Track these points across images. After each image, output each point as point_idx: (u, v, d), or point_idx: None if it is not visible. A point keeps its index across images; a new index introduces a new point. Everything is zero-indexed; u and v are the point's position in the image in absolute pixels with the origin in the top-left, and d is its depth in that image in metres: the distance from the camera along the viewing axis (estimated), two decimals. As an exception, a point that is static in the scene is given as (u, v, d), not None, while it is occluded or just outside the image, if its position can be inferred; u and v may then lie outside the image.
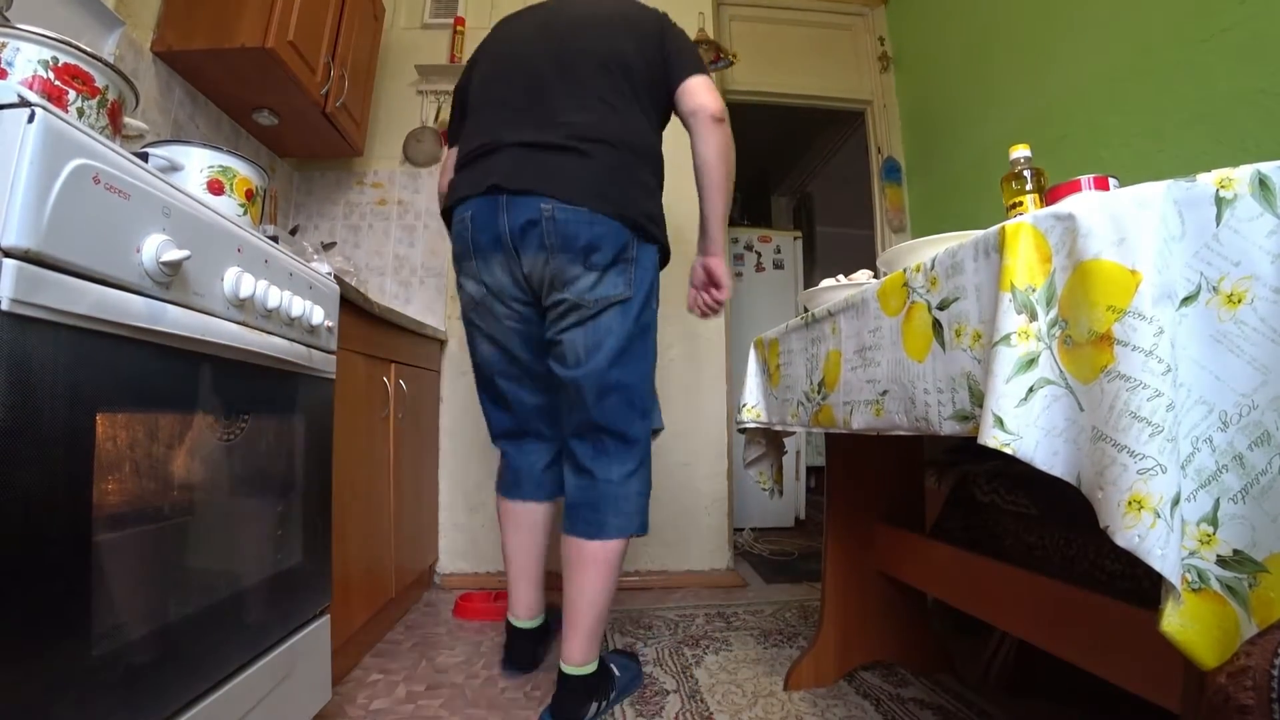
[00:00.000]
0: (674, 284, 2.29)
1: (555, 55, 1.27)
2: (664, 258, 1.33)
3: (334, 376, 1.16)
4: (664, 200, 1.33)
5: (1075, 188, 0.79)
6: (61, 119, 0.58)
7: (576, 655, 1.22)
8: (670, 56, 1.29)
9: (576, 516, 1.25)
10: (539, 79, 1.26)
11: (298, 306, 0.97)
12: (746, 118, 2.99)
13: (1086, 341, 0.55)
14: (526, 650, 1.44)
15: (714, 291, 1.41)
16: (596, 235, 1.18)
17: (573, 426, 1.29)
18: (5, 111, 0.55)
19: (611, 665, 1.31)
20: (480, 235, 1.22)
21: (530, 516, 1.44)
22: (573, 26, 1.31)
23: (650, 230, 1.24)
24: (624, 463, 1.26)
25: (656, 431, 1.36)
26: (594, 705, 1.23)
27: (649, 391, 1.31)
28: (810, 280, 3.80)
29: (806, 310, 1.18)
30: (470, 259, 1.26)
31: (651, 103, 1.30)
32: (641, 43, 1.29)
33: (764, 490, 1.48)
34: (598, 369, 1.23)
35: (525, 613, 1.44)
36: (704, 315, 1.47)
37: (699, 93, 1.26)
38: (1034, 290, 0.61)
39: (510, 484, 1.46)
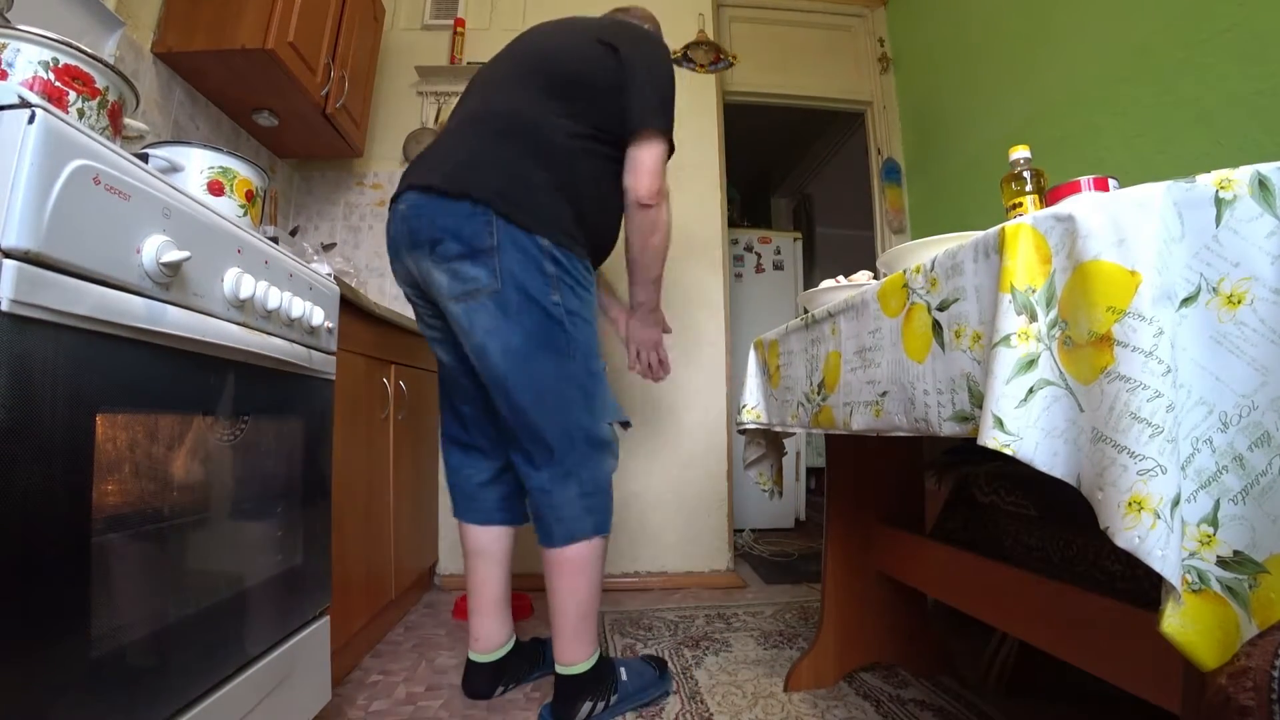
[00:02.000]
0: (668, 284, 2.30)
1: (490, 63, 1.34)
2: (580, 253, 1.21)
3: (334, 377, 1.16)
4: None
5: (1075, 189, 0.79)
6: (62, 120, 0.58)
7: (562, 655, 1.22)
8: (632, 92, 1.20)
9: (535, 524, 1.24)
10: (474, 84, 1.33)
11: (298, 307, 0.97)
12: (746, 118, 3.00)
13: (1086, 342, 0.55)
14: (483, 682, 1.34)
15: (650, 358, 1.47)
16: (439, 226, 1.12)
17: (503, 432, 1.25)
18: (6, 112, 0.55)
19: (620, 669, 1.29)
20: (388, 247, 1.26)
21: (472, 540, 1.37)
22: (521, 38, 1.36)
23: (518, 217, 1.12)
24: (548, 468, 1.19)
25: (625, 425, 1.29)
26: (588, 704, 1.20)
27: (581, 384, 1.19)
28: (810, 281, 3.80)
29: (806, 311, 1.18)
30: (393, 266, 1.29)
31: (563, 100, 1.20)
32: (573, 38, 1.26)
33: (764, 491, 1.48)
34: (493, 373, 1.16)
35: (477, 645, 1.35)
36: (646, 378, 1.52)
37: (634, 169, 1.21)
38: (1034, 291, 0.61)
39: (453, 500, 1.40)
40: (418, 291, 1.26)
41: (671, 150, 1.25)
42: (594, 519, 1.21)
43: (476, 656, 1.35)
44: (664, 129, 1.22)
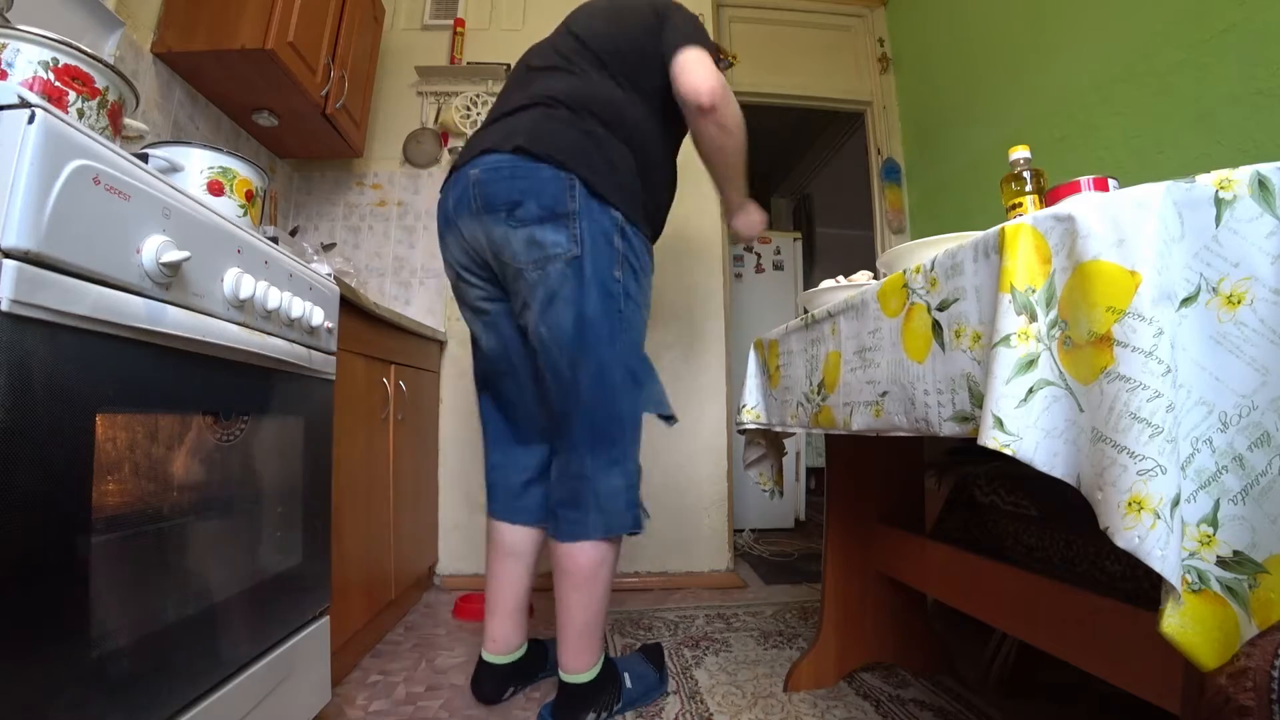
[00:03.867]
0: (668, 284, 2.30)
1: (528, 58, 1.31)
2: (646, 234, 1.22)
3: (334, 377, 1.16)
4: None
5: (1075, 189, 0.79)
6: (62, 120, 0.58)
7: (567, 664, 1.18)
8: (664, 41, 1.18)
9: (557, 515, 1.17)
10: (508, 86, 1.31)
11: (297, 307, 0.97)
12: (746, 118, 2.99)
13: (1086, 342, 0.55)
14: (494, 685, 1.30)
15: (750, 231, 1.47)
16: (519, 188, 1.09)
17: (552, 415, 1.20)
18: (5, 112, 0.55)
19: (625, 675, 1.26)
20: (439, 221, 1.24)
21: (504, 537, 1.31)
22: (556, 30, 1.33)
23: (599, 187, 1.11)
24: (594, 454, 1.14)
25: (667, 419, 1.24)
26: (590, 715, 1.18)
27: (631, 368, 1.17)
28: (810, 281, 3.80)
29: (806, 311, 1.18)
30: (442, 243, 1.26)
31: (631, 80, 1.20)
32: (617, 21, 1.24)
33: (764, 491, 1.48)
34: (560, 342, 1.12)
35: (493, 646, 1.30)
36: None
37: (684, 72, 1.13)
38: (1034, 291, 0.61)
39: (488, 496, 1.36)
40: (476, 265, 1.21)
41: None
42: (633, 514, 1.17)
43: (490, 658, 1.31)
44: (699, 43, 1.16)
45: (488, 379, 1.34)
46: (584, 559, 1.14)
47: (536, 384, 1.24)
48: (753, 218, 1.46)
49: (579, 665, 1.18)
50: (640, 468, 1.21)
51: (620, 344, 1.15)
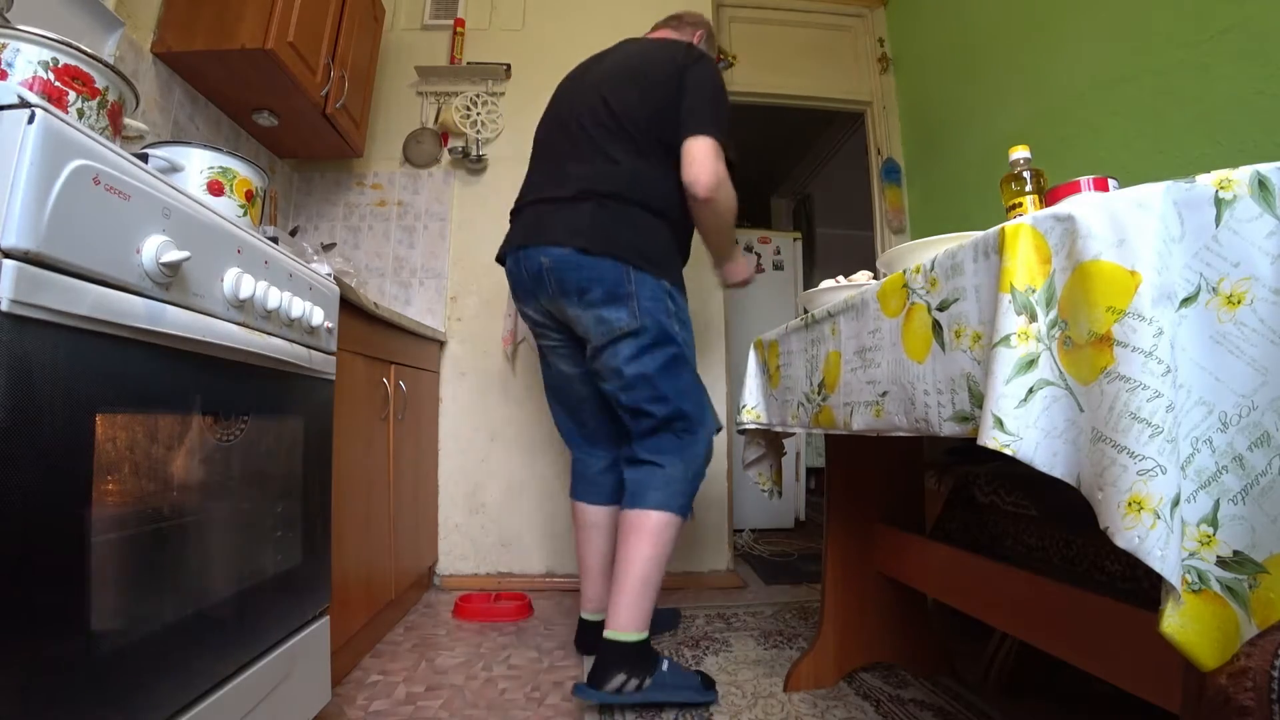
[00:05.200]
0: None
1: (572, 114, 1.45)
2: (681, 282, 1.45)
3: (333, 377, 1.16)
4: None
5: (1075, 189, 0.79)
6: (62, 120, 0.58)
7: (614, 619, 1.27)
8: (682, 110, 1.35)
9: (627, 496, 1.38)
10: (555, 139, 1.48)
11: (297, 307, 0.97)
12: (746, 119, 3.00)
13: (1086, 342, 0.55)
14: (589, 639, 1.52)
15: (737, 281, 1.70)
16: (585, 277, 1.32)
17: (636, 425, 1.42)
18: (5, 112, 0.55)
19: (664, 662, 1.30)
20: (515, 283, 1.47)
21: (586, 516, 1.58)
22: (592, 83, 1.47)
23: (643, 265, 1.34)
24: (671, 452, 1.37)
25: (716, 429, 1.46)
26: (621, 676, 1.22)
27: (698, 394, 1.43)
28: (810, 281, 3.80)
29: (806, 311, 1.18)
30: (518, 298, 1.50)
31: (662, 146, 1.37)
32: (647, 93, 1.39)
33: (764, 491, 1.48)
34: (633, 385, 1.37)
35: (586, 605, 1.56)
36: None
37: (692, 164, 1.32)
38: (1034, 291, 0.61)
39: (573, 484, 1.62)
40: (553, 323, 1.47)
41: (726, 154, 1.36)
42: (682, 500, 1.36)
43: (588, 616, 1.55)
44: (711, 129, 1.34)
45: (558, 394, 1.61)
46: (655, 519, 1.31)
47: (602, 407, 1.54)
48: (738, 265, 1.66)
49: (624, 623, 1.26)
50: (703, 464, 1.42)
51: (688, 374, 1.42)
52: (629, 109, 1.38)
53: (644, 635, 1.28)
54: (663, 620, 1.66)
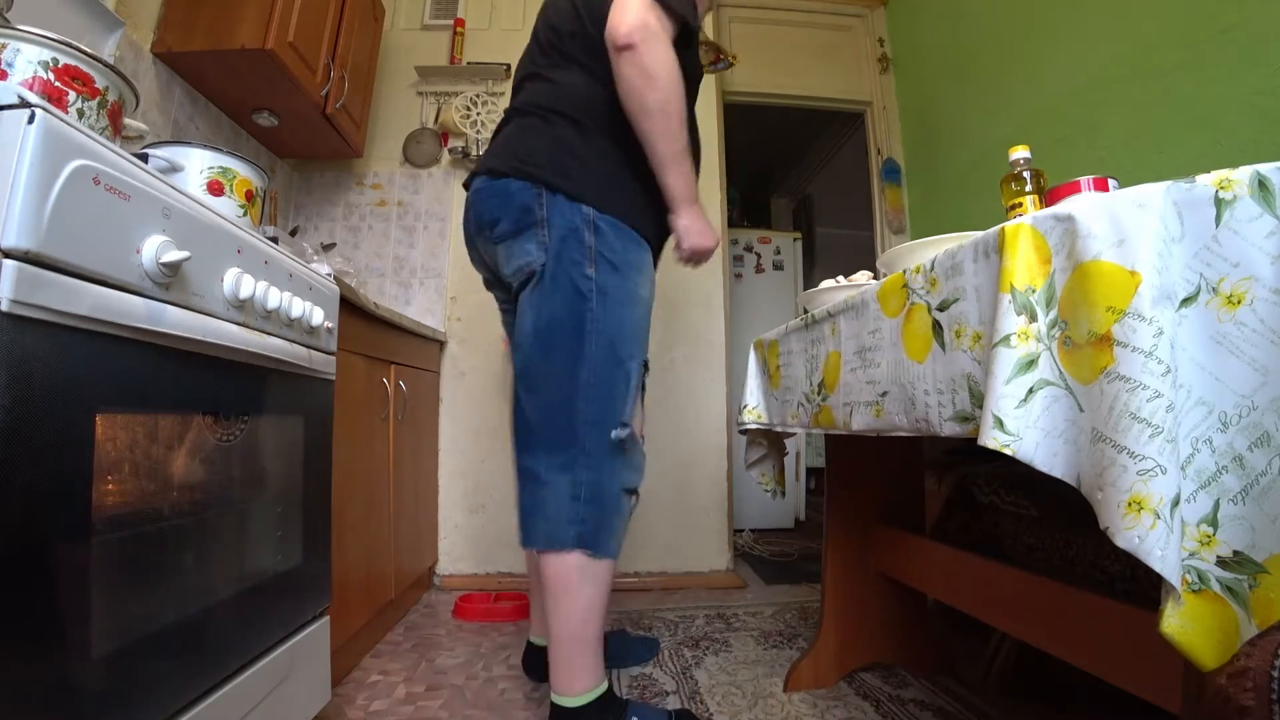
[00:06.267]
0: (668, 284, 2.30)
1: (527, 52, 1.28)
2: (636, 224, 1.13)
3: (333, 377, 1.16)
4: None
5: (1075, 189, 0.79)
6: (62, 120, 0.58)
7: (556, 682, 1.09)
8: None
9: (520, 520, 1.14)
10: (516, 82, 1.29)
11: (297, 307, 0.97)
12: (746, 119, 3.00)
13: (1086, 342, 0.55)
14: (533, 662, 1.37)
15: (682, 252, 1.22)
16: (494, 206, 1.12)
17: (520, 416, 1.16)
18: (5, 112, 0.55)
19: (631, 715, 1.12)
20: (465, 241, 1.28)
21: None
22: (541, 13, 1.27)
23: (557, 182, 1.07)
24: (549, 455, 1.08)
25: (619, 433, 1.10)
26: None
27: (589, 377, 1.08)
28: (810, 281, 3.80)
29: (806, 311, 1.18)
30: (470, 255, 1.31)
31: (594, 56, 1.11)
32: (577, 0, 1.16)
33: (766, 491, 1.48)
34: (526, 344, 1.11)
35: (534, 627, 1.40)
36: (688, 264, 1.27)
37: (613, 11, 1.01)
38: (1034, 291, 0.61)
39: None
40: (492, 276, 1.27)
41: (668, 11, 1.04)
42: (577, 529, 1.05)
43: (534, 639, 1.39)
44: None
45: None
46: (551, 569, 1.07)
47: None
48: (695, 221, 1.16)
49: (563, 686, 1.08)
50: (608, 483, 1.09)
51: (590, 346, 1.08)
52: (565, 21, 1.16)
53: (591, 694, 1.08)
54: (636, 652, 1.51)
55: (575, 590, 1.06)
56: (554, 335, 1.09)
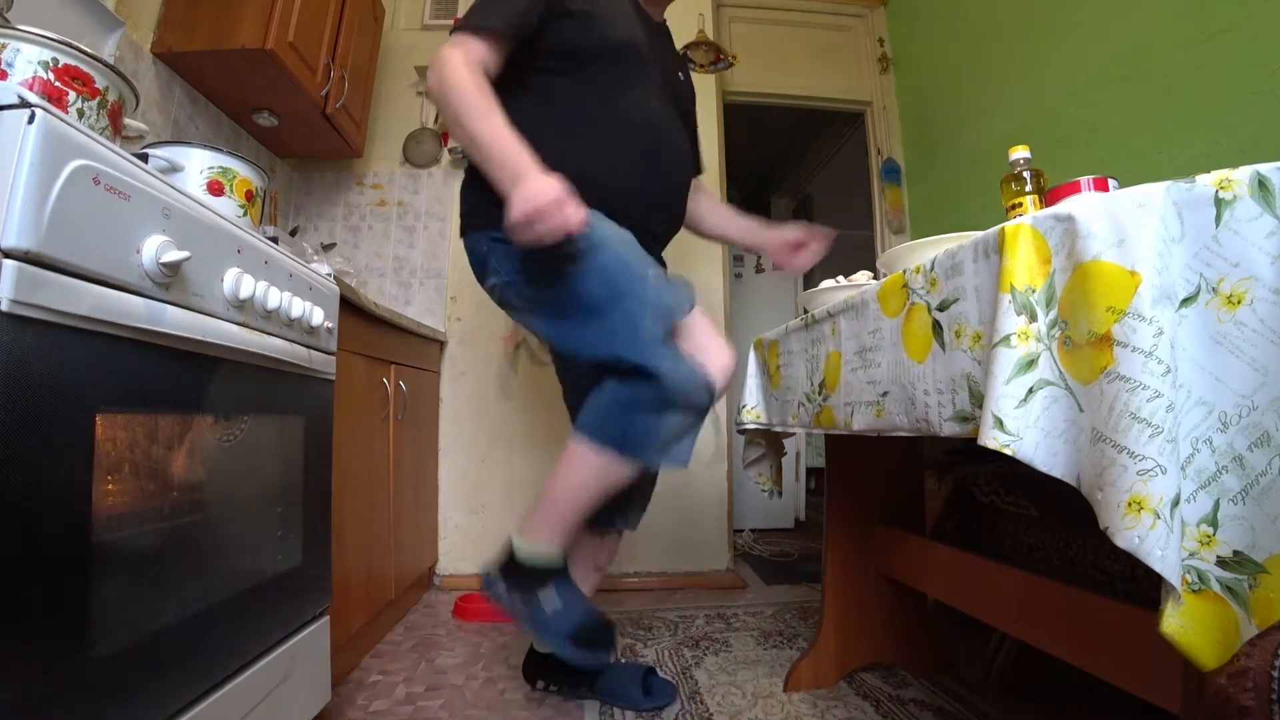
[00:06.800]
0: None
1: None
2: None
3: (334, 377, 1.16)
4: None
5: (1075, 189, 0.79)
6: (62, 120, 0.58)
7: (522, 523, 1.16)
8: None
9: None
10: None
11: (297, 307, 0.97)
12: (746, 118, 3.00)
13: (1086, 342, 0.55)
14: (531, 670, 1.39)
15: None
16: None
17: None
18: (5, 112, 0.55)
19: (557, 599, 1.13)
20: None
21: None
22: None
23: (470, 225, 1.21)
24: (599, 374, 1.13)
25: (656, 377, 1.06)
26: (501, 586, 1.14)
27: (590, 341, 1.12)
28: (810, 281, 3.79)
29: (806, 311, 1.18)
30: None
31: (512, 81, 1.15)
32: None
33: (764, 491, 1.48)
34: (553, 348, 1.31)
35: None
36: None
37: None
38: (1034, 291, 0.61)
39: None
40: None
41: (475, 33, 1.09)
42: (603, 432, 1.09)
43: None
44: (461, 27, 1.11)
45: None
46: (573, 443, 1.13)
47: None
48: (513, 199, 0.98)
49: (524, 529, 1.15)
50: (631, 400, 1.08)
51: (577, 320, 1.12)
52: None
53: (542, 561, 1.12)
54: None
55: (579, 465, 1.12)
56: (556, 324, 1.17)
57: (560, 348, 1.22)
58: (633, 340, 1.07)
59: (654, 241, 1.30)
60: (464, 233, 1.22)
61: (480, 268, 1.21)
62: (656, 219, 1.28)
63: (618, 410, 1.10)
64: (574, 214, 0.98)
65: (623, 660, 1.49)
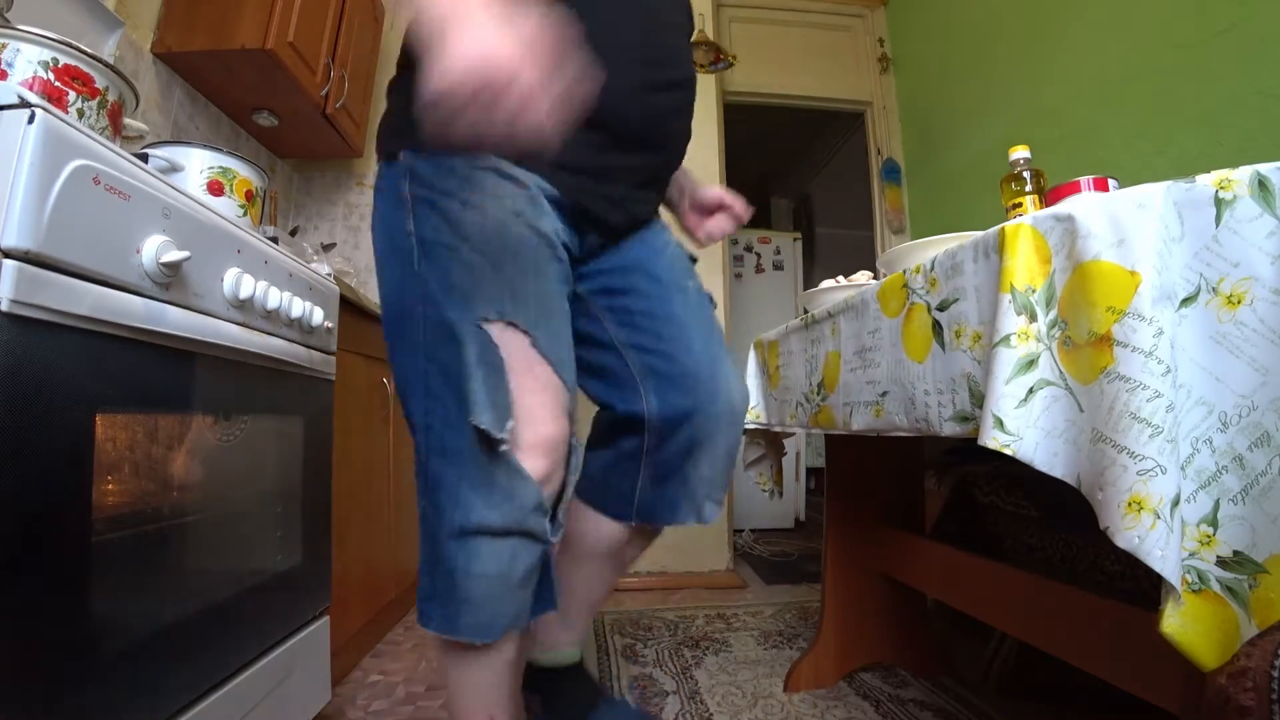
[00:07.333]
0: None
1: None
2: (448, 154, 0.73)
3: (333, 377, 1.16)
4: None
5: (1075, 189, 0.79)
6: (62, 120, 0.58)
7: None
8: None
9: None
10: None
11: (297, 307, 0.97)
12: (746, 118, 3.00)
13: (1086, 342, 0.55)
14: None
15: None
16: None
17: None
18: (5, 112, 0.55)
19: None
20: None
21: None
22: None
23: (385, 147, 0.80)
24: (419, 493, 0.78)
25: (490, 439, 0.70)
26: None
27: (415, 365, 0.76)
28: (810, 281, 3.80)
29: (806, 311, 1.18)
30: None
31: None
32: None
33: (764, 491, 1.48)
34: None
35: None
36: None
37: None
38: (1034, 291, 0.61)
39: None
40: None
41: None
42: (421, 600, 0.76)
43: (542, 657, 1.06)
44: None
45: None
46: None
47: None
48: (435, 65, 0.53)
49: None
50: (442, 524, 0.74)
51: (413, 321, 0.75)
52: None
53: None
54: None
55: (451, 685, 0.80)
56: (389, 328, 0.79)
57: (401, 324, 0.77)
58: (461, 394, 0.71)
59: (643, 181, 0.88)
60: (379, 172, 0.80)
61: (387, 198, 0.77)
62: (647, 125, 0.85)
63: (444, 563, 0.74)
64: (531, 107, 0.53)
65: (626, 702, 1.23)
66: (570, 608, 0.96)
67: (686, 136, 0.96)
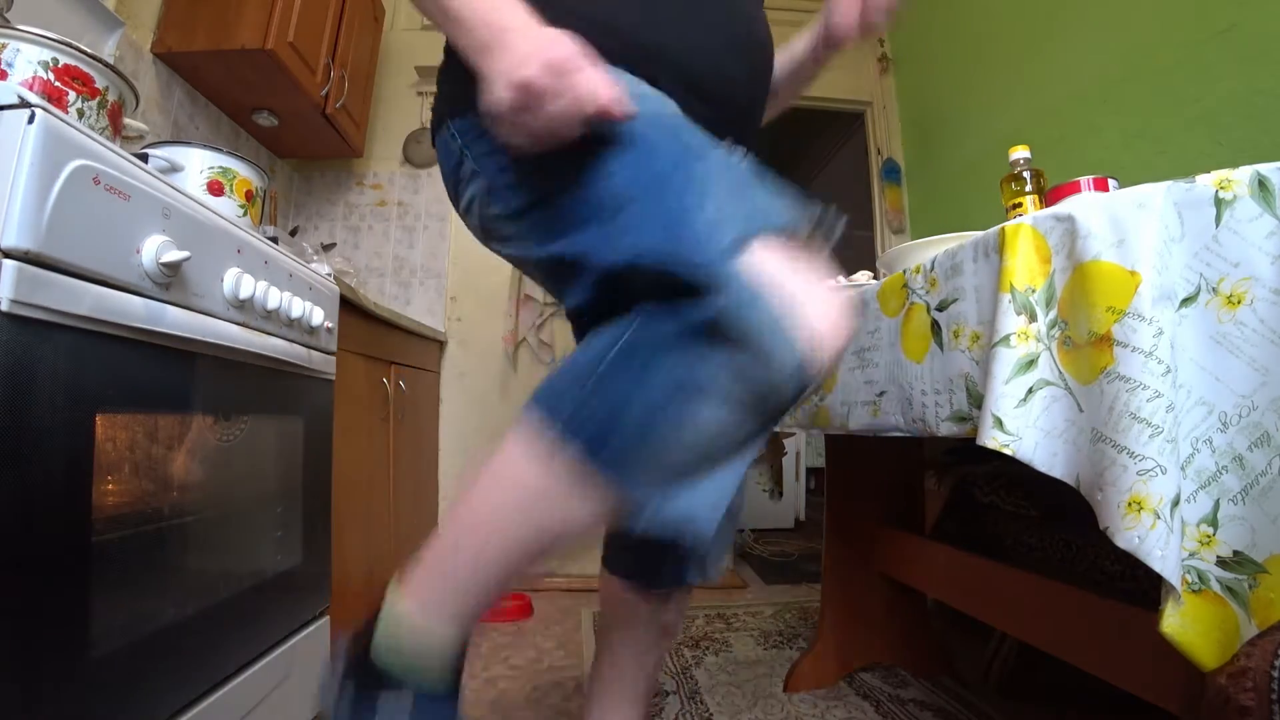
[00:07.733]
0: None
1: None
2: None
3: (333, 377, 1.16)
4: None
5: (1075, 189, 0.79)
6: (62, 120, 0.58)
7: (409, 575, 0.70)
8: None
9: None
10: None
11: (297, 307, 0.97)
12: (746, 119, 2.99)
13: (1086, 342, 0.55)
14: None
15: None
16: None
17: None
18: (5, 112, 0.55)
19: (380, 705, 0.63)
20: None
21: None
22: None
23: (442, 114, 0.72)
24: None
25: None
26: (338, 686, 0.67)
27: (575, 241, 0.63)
28: (810, 281, 3.79)
29: (806, 311, 1.18)
30: None
31: None
32: None
33: (764, 491, 1.48)
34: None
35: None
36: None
37: None
38: (1033, 291, 0.61)
39: None
40: None
41: None
42: (561, 393, 0.60)
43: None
44: None
45: None
46: (510, 434, 0.64)
47: None
48: (491, 76, 0.56)
49: (402, 593, 0.70)
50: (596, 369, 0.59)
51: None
52: None
53: (405, 635, 0.66)
54: None
55: (494, 468, 0.65)
56: (564, 290, 0.68)
57: (562, 283, 0.68)
58: (677, 229, 0.57)
59: (730, 119, 0.85)
60: (434, 131, 0.74)
61: (453, 178, 0.71)
62: (729, 79, 0.81)
63: (617, 362, 0.58)
64: (599, 84, 0.54)
65: None
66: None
67: (767, 95, 0.95)
